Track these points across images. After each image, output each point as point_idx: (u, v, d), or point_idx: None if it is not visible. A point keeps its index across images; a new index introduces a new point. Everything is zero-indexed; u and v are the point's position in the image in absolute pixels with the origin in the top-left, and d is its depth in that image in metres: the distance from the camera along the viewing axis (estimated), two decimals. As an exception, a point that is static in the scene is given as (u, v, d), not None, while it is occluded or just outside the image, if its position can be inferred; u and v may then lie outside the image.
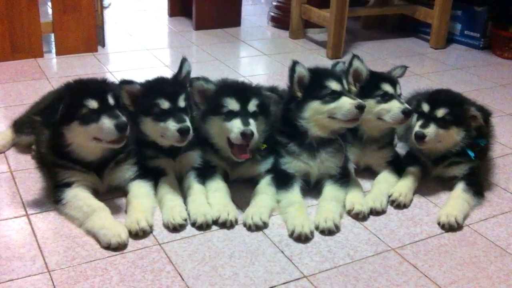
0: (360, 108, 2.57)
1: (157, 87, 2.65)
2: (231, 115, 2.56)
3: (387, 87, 2.80)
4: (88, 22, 4.58)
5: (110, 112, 2.41)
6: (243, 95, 2.60)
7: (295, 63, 2.68)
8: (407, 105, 2.78)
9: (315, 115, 2.64)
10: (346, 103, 2.58)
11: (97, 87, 2.49)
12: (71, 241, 2.33)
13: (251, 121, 2.55)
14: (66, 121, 2.41)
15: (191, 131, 2.53)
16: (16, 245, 2.31)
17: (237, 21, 5.76)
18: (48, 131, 2.56)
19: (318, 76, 2.69)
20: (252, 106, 2.59)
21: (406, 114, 2.74)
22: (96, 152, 2.53)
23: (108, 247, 2.28)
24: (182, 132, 2.51)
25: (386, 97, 2.79)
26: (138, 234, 2.38)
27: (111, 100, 2.45)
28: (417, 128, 2.71)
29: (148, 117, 2.58)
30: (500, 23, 5.20)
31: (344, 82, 2.72)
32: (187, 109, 2.62)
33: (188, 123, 2.52)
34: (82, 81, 2.57)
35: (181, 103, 2.58)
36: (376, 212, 2.62)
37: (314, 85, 2.66)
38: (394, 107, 2.75)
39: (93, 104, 2.39)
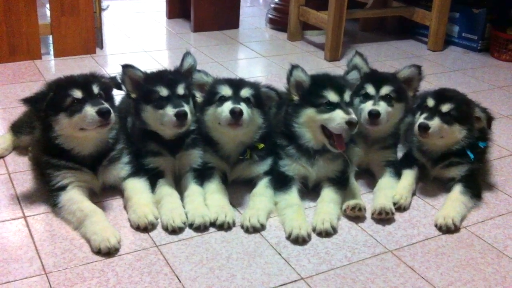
0: (350, 124, 2.51)
1: (158, 75, 2.71)
2: (223, 100, 2.58)
3: (369, 88, 2.82)
4: (86, 24, 4.59)
5: (93, 101, 2.44)
6: (235, 83, 2.66)
7: (293, 67, 2.66)
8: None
9: (309, 122, 2.62)
10: (338, 117, 2.52)
11: (83, 79, 2.53)
12: (68, 243, 2.33)
13: (243, 104, 2.55)
14: (53, 112, 2.44)
15: (189, 116, 2.55)
16: (13, 247, 2.31)
17: (235, 23, 5.77)
18: (38, 122, 2.59)
19: (318, 83, 2.64)
20: (245, 92, 2.60)
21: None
22: (86, 145, 2.53)
23: (99, 252, 2.27)
24: (179, 115, 2.52)
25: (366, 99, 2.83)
26: (147, 228, 2.41)
27: (95, 90, 2.48)
28: (421, 119, 2.71)
29: (149, 105, 2.61)
30: (498, 25, 5.21)
31: (347, 93, 2.61)
32: (188, 98, 2.65)
33: (185, 108, 2.54)
34: (70, 75, 2.62)
35: (180, 90, 2.61)
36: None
37: (312, 92, 2.63)
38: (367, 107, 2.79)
39: (77, 93, 2.43)
